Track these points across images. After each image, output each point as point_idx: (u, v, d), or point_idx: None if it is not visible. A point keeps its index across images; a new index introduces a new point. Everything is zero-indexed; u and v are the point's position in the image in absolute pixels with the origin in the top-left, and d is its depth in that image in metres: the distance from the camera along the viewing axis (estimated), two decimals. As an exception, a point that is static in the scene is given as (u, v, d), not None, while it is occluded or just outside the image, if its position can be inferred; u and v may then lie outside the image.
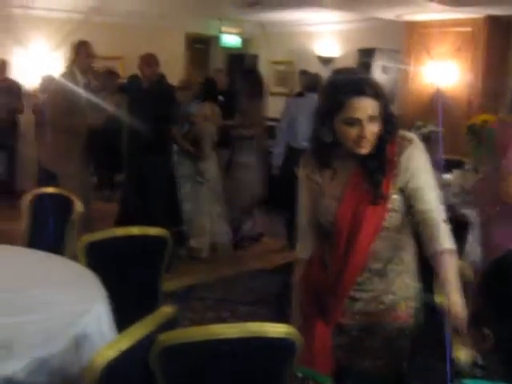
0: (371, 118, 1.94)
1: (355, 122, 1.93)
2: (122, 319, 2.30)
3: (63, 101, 5.08)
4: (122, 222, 5.66)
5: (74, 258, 2.90)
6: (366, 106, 1.93)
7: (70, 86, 5.10)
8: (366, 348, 2.14)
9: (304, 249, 2.25)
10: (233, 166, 6.09)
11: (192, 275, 5.21)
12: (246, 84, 6.03)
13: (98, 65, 6.98)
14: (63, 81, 5.20)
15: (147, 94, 5.46)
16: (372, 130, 1.95)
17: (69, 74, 5.30)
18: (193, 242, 5.71)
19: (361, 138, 1.94)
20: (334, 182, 2.08)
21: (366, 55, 8.47)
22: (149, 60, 5.52)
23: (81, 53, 5.36)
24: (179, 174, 5.67)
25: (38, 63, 8.26)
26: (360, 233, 2.00)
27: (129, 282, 2.76)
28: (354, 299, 2.11)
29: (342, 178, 2.07)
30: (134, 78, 6.08)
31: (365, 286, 2.09)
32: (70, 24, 8.46)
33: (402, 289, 2.12)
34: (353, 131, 1.94)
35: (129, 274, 2.79)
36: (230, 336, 1.75)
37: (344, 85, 1.96)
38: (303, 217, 2.22)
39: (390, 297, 2.11)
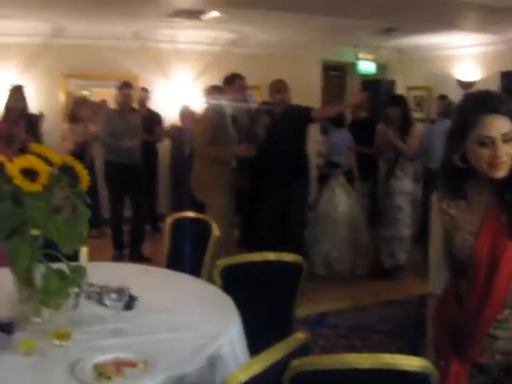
0: (506, 138, 1.81)
1: (488, 142, 1.82)
2: (254, 342, 2.34)
3: (211, 132, 5.10)
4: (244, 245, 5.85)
5: (210, 280, 3.01)
6: (500, 125, 1.81)
7: (219, 117, 5.19)
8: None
9: (437, 283, 2.14)
10: (393, 193, 5.95)
11: (325, 302, 5.18)
12: (395, 109, 5.90)
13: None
14: (212, 112, 5.30)
15: (281, 119, 5.53)
16: (507, 150, 1.82)
17: (218, 105, 5.32)
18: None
19: (495, 158, 1.81)
20: (469, 215, 1.96)
21: (509, 78, 8.08)
22: (277, 86, 5.59)
23: (234, 85, 5.40)
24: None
25: (179, 94, 8.70)
26: (500, 268, 1.87)
27: (262, 306, 2.79)
28: (494, 337, 1.96)
29: (477, 210, 1.94)
30: (266, 105, 6.16)
31: (505, 324, 1.94)
32: (210, 55, 8.88)
33: None
34: (486, 152, 1.82)
35: (263, 298, 2.82)
36: (363, 366, 1.71)
37: (476, 103, 1.87)
38: (436, 250, 2.11)
39: None
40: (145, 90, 8.03)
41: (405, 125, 5.82)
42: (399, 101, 6.09)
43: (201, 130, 5.28)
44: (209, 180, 5.20)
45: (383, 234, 6.03)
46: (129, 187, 6.25)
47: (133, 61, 8.28)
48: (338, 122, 6.23)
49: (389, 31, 8.08)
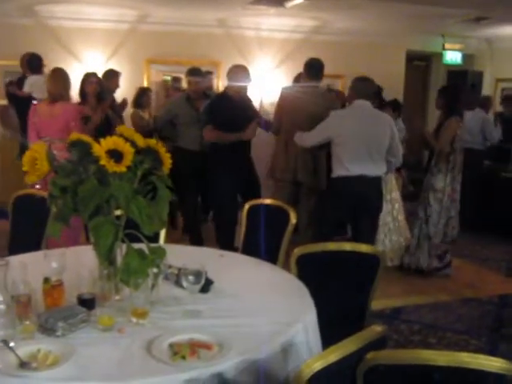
0: None
1: None
2: (327, 332, 2.33)
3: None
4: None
5: (285, 267, 3.00)
6: None
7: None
8: None
9: None
10: (426, 189, 5.71)
11: (401, 297, 5.09)
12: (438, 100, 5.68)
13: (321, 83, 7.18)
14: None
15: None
16: None
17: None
18: None
19: None
20: None
21: None
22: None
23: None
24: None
25: (261, 80, 8.71)
26: None
27: (337, 296, 2.77)
28: None
29: None
30: None
31: None
32: (292, 43, 8.85)
33: None
34: None
35: (338, 288, 2.80)
36: (440, 364, 1.66)
37: None
38: None
39: None
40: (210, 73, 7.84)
41: (443, 118, 5.57)
42: (443, 92, 5.73)
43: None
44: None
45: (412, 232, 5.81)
46: (197, 174, 6.21)
47: (215, 47, 8.38)
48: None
49: (479, 20, 7.79)
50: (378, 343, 1.81)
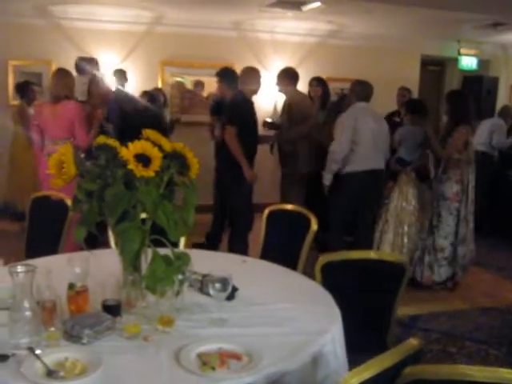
0: None
1: None
2: (351, 340, 2.28)
3: None
4: None
5: (305, 273, 2.96)
6: None
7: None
8: None
9: None
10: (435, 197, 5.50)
11: (417, 304, 5.02)
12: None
13: (332, 87, 7.16)
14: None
15: None
16: None
17: None
18: None
19: None
20: None
21: None
22: None
23: None
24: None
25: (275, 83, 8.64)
26: None
27: (360, 304, 2.72)
28: None
29: None
30: None
31: None
32: (307, 47, 8.81)
33: None
34: None
35: (361, 296, 2.75)
36: (479, 380, 1.62)
37: None
38: None
39: None
40: None
41: (449, 124, 5.43)
42: (449, 97, 5.59)
43: None
44: None
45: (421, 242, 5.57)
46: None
47: (230, 50, 8.34)
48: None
49: (496, 25, 7.73)
50: (414, 357, 1.76)
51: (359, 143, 5.34)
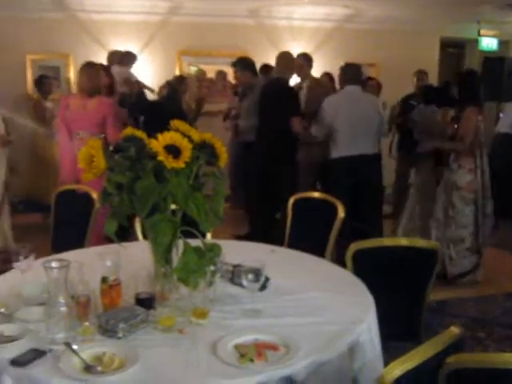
0: None
1: None
2: (384, 328, 2.25)
3: None
4: None
5: (332, 261, 2.93)
6: None
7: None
8: None
9: None
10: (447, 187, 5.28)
11: (443, 289, 4.96)
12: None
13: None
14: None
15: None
16: None
17: None
18: None
19: None
20: None
21: None
22: None
23: None
24: None
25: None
26: None
27: (392, 292, 2.69)
28: None
29: None
30: None
31: None
32: (323, 32, 8.73)
33: None
34: None
35: (393, 283, 2.72)
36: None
37: None
38: None
39: None
40: None
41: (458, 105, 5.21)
42: (460, 77, 5.39)
43: None
44: None
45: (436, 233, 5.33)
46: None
47: (247, 38, 8.29)
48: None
49: (517, 5, 7.60)
50: (456, 346, 1.73)
51: (339, 130, 5.18)
